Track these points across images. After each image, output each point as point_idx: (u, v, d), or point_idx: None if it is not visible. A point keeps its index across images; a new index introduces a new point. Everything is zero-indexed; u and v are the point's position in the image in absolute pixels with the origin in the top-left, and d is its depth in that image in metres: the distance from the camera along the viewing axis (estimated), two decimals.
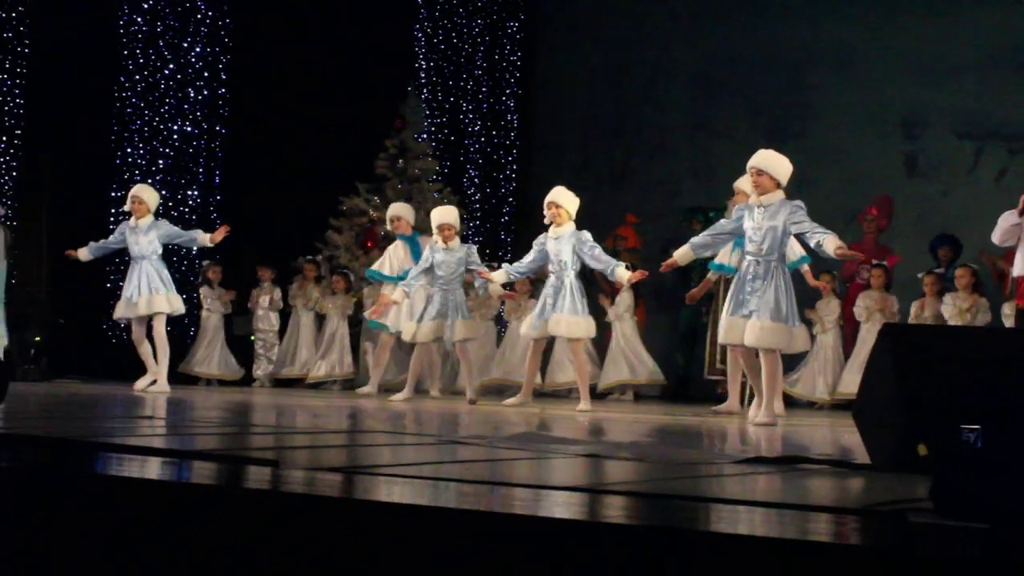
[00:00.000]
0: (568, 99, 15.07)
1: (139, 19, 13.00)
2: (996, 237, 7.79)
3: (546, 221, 8.76)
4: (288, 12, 13.40)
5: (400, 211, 10.73)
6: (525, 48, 15.50)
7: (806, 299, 9.50)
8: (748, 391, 8.29)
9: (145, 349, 9.29)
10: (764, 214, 6.93)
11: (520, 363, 11.85)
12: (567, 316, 8.53)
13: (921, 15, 12.81)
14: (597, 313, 9.83)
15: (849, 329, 10.98)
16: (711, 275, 9.07)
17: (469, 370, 9.72)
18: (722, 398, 11.47)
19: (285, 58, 13.24)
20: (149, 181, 11.76)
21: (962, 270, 10.19)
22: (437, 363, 10.54)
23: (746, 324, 6.80)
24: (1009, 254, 9.60)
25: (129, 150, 12.93)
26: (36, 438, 3.45)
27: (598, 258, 8.56)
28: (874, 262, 10.81)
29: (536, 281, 11.10)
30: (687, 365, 12.62)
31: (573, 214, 8.72)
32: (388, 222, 10.81)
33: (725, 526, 1.97)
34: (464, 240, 10.45)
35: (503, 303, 11.83)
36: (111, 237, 9.71)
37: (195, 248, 11.02)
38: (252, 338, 12.78)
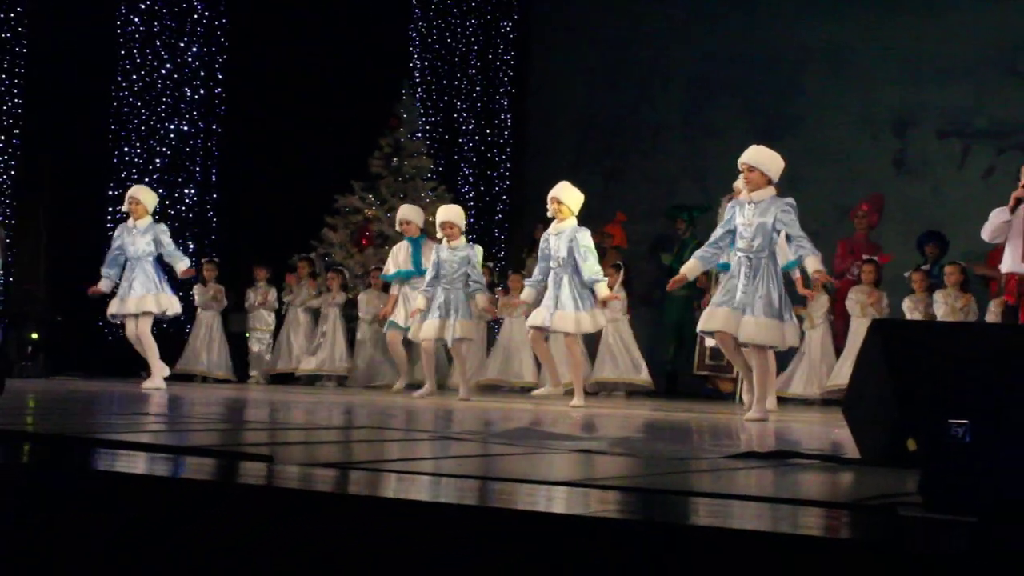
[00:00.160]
0: (562, 98, 15.06)
1: (136, 19, 13.02)
2: (986, 234, 7.73)
3: (548, 215, 8.76)
4: (284, 12, 13.44)
5: (410, 214, 10.71)
6: (519, 47, 15.52)
7: (794, 296, 9.50)
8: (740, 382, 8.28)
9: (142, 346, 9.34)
10: (755, 210, 6.91)
11: (515, 362, 11.89)
12: (567, 312, 8.53)
13: (912, 16, 12.87)
14: None
15: (840, 324, 10.99)
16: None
17: (463, 368, 9.73)
18: (712, 393, 11.48)
19: (281, 58, 13.27)
20: (146, 180, 11.78)
21: (951, 267, 10.19)
22: (403, 356, 10.57)
23: (730, 314, 6.76)
24: (991, 256, 9.63)
25: (126, 149, 12.95)
26: (33, 434, 3.47)
27: (584, 262, 8.51)
28: (865, 257, 10.84)
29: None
30: (674, 360, 12.61)
31: (575, 210, 8.69)
32: (397, 224, 10.79)
33: (717, 520, 1.98)
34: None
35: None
36: (112, 248, 9.53)
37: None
38: (248, 336, 12.80)
